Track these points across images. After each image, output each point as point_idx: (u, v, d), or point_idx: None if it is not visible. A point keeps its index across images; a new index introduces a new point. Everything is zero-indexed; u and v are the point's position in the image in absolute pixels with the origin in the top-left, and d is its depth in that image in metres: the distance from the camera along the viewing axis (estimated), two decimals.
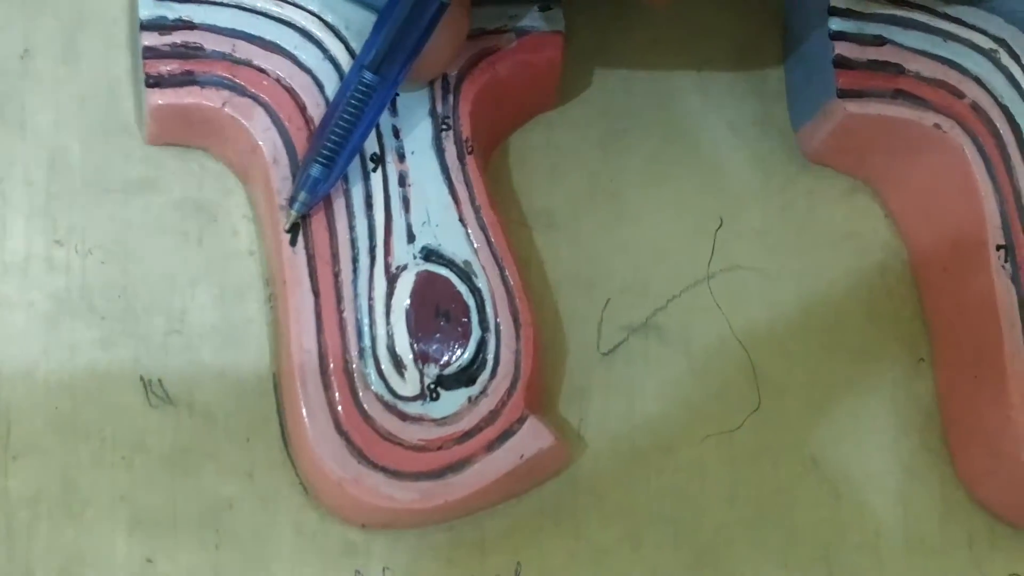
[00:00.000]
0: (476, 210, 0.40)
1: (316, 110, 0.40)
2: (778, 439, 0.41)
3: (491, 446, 0.38)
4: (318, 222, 0.39)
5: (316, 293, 0.39)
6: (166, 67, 0.40)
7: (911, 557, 0.41)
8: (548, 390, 0.41)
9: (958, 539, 0.41)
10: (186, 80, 0.40)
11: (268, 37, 0.40)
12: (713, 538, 0.40)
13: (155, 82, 0.40)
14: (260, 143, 0.40)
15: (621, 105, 0.44)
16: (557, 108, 0.43)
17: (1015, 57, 0.41)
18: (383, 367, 0.38)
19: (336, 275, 0.39)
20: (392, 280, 0.39)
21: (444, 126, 0.40)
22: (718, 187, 0.43)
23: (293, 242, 0.39)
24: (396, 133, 0.40)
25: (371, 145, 0.40)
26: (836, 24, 0.42)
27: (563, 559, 0.40)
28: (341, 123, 0.39)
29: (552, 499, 0.40)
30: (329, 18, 0.41)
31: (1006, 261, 0.40)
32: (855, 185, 0.44)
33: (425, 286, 0.39)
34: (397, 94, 0.40)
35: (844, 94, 0.41)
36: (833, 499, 0.41)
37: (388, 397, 0.38)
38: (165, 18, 0.40)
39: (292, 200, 0.39)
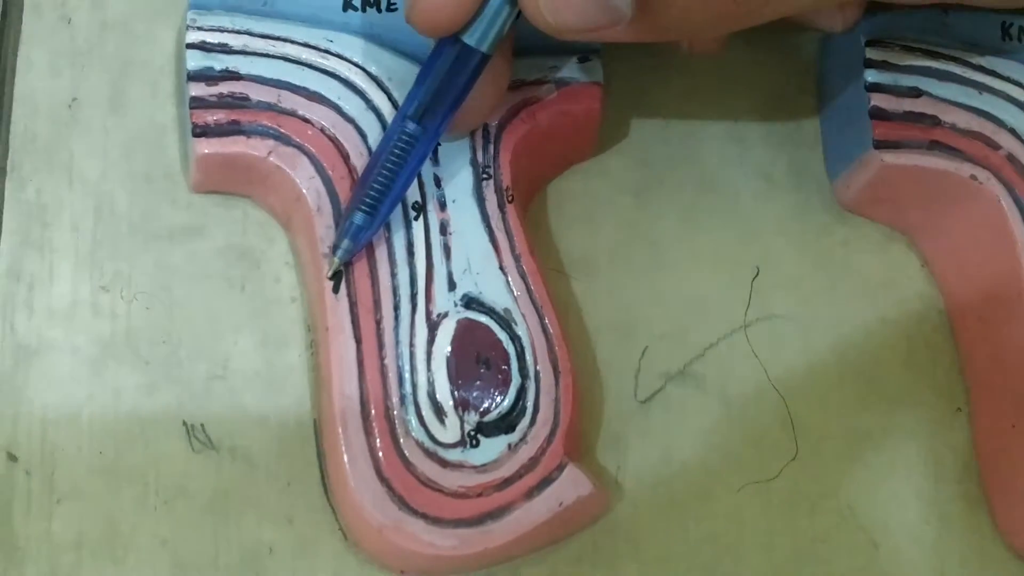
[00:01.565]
0: (516, 258, 0.41)
1: (359, 159, 0.41)
2: (815, 488, 0.41)
3: (530, 493, 0.38)
4: (360, 270, 0.40)
5: (358, 340, 0.39)
6: (212, 117, 0.41)
7: None
8: (586, 437, 0.41)
9: None
10: (232, 130, 0.41)
11: (312, 88, 0.41)
12: None
13: (202, 131, 0.41)
14: (304, 191, 0.41)
15: (658, 155, 0.44)
16: (595, 157, 0.44)
17: None
18: (424, 414, 0.39)
19: (378, 322, 0.40)
20: (433, 327, 0.40)
21: (485, 175, 0.41)
22: (754, 236, 0.44)
23: (336, 289, 0.40)
24: (437, 182, 0.41)
25: (413, 194, 0.41)
26: (872, 76, 0.42)
27: None
28: (384, 172, 0.39)
29: (590, 546, 0.40)
30: (372, 69, 0.41)
31: None
32: (891, 235, 0.44)
33: (466, 333, 0.40)
34: (439, 144, 0.41)
35: (880, 145, 0.41)
36: (870, 548, 0.41)
37: (429, 444, 0.39)
38: (212, 69, 0.41)
39: (335, 247, 0.40)
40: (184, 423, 0.40)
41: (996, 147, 0.41)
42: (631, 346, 0.42)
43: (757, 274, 0.43)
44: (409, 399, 0.39)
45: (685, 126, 0.45)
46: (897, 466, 0.42)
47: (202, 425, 0.41)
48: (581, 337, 0.42)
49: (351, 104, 0.41)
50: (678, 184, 0.44)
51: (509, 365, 0.39)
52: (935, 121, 0.42)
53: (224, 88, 0.41)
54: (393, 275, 0.40)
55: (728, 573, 0.41)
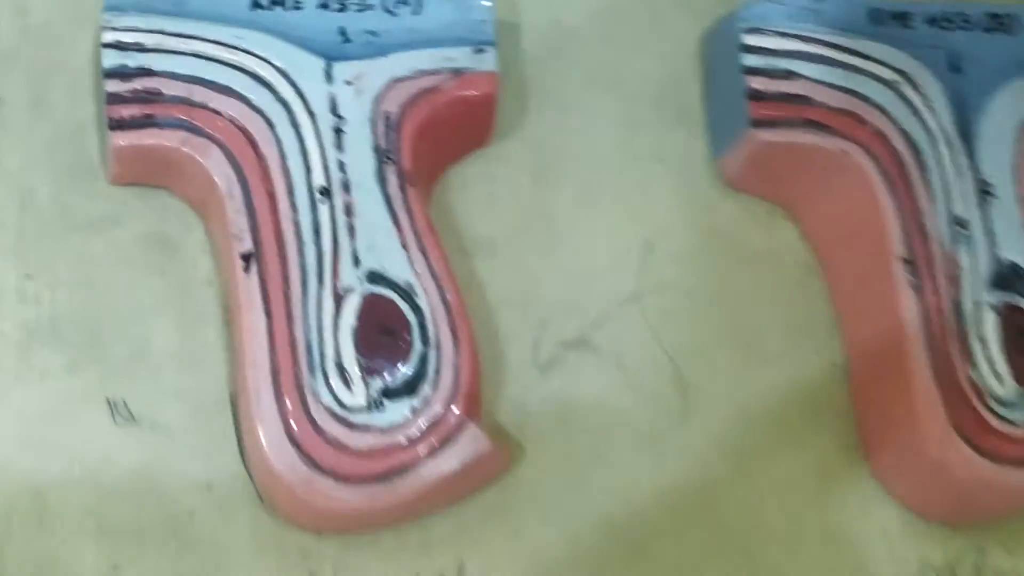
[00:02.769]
0: (417, 236, 0.43)
1: (268, 148, 0.43)
2: (704, 443, 0.44)
3: (433, 452, 0.41)
4: (270, 250, 0.42)
5: (269, 314, 0.42)
6: (128, 111, 0.43)
7: (829, 549, 0.43)
8: (489, 403, 0.43)
9: (873, 532, 0.44)
10: (147, 123, 0.43)
11: (222, 82, 0.44)
12: (644, 536, 0.43)
13: (118, 125, 0.43)
14: (216, 179, 0.43)
15: (554, 140, 0.47)
16: (495, 144, 0.47)
17: (915, 87, 0.45)
18: (332, 381, 0.41)
19: (287, 297, 0.42)
20: (339, 301, 0.42)
21: (386, 159, 0.44)
22: (645, 214, 0.46)
23: (247, 269, 0.42)
24: (342, 167, 0.43)
25: (319, 178, 0.43)
26: (749, 60, 0.45)
27: (505, 558, 0.42)
28: None
29: (494, 503, 0.43)
30: (279, 63, 0.44)
31: (909, 273, 0.43)
32: (773, 209, 0.47)
33: (371, 306, 0.42)
34: (343, 130, 0.44)
35: (758, 124, 0.44)
36: (756, 497, 0.44)
37: (337, 408, 0.41)
38: (127, 66, 0.44)
39: None
40: (107, 400, 0.43)
41: (864, 123, 0.44)
42: (530, 318, 0.45)
43: (648, 248, 0.46)
44: (318, 368, 0.41)
45: (580, 113, 0.47)
46: (781, 421, 0.44)
47: (124, 401, 0.43)
48: (482, 310, 0.45)
49: (259, 96, 0.44)
50: (574, 167, 0.47)
51: (411, 335, 0.42)
52: (808, 101, 0.45)
53: (138, 84, 0.44)
54: (301, 254, 0.42)
55: (624, 525, 0.43)
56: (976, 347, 0.42)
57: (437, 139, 0.45)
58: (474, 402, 0.42)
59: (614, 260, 0.46)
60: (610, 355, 0.45)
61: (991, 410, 0.41)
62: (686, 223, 0.46)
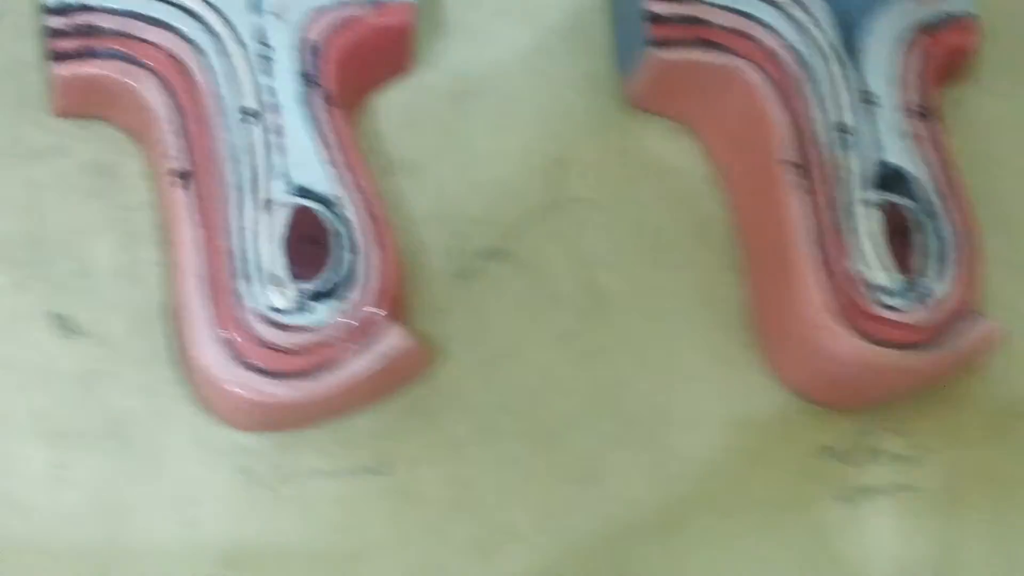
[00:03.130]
0: (343, 154, 0.46)
1: (201, 75, 0.46)
2: (613, 342, 0.47)
3: (358, 349, 0.44)
4: (204, 169, 0.45)
5: (203, 226, 0.45)
6: (68, 44, 0.46)
7: (728, 433, 0.46)
8: (412, 309, 0.46)
9: (772, 419, 0.47)
10: (87, 54, 0.46)
11: (155, 15, 0.47)
12: (555, 427, 0.46)
13: (58, 57, 0.46)
14: (152, 105, 0.46)
15: (471, 67, 0.50)
16: (416, 72, 0.50)
17: (803, 7, 0.48)
18: (262, 286, 0.44)
19: (221, 212, 0.45)
20: (270, 213, 0.45)
21: (312, 83, 0.46)
22: (557, 134, 0.50)
23: (184, 187, 0.45)
24: (271, 91, 0.46)
25: (250, 100, 0.46)
26: None
27: (425, 451, 0.45)
28: None
29: (418, 401, 0.46)
30: None
31: (799, 175, 0.46)
32: (675, 126, 0.50)
33: (299, 217, 0.45)
34: (271, 58, 0.47)
35: (656, 44, 0.47)
36: (661, 390, 0.47)
37: (267, 312, 0.44)
38: (67, 3, 0.46)
39: None
40: (52, 313, 0.45)
41: (755, 41, 0.48)
42: (450, 231, 0.48)
43: (559, 165, 0.49)
44: (251, 275, 0.44)
45: (497, 41, 0.51)
46: (685, 320, 0.48)
47: (67, 315, 0.46)
48: (407, 225, 0.48)
49: (191, 28, 0.47)
50: (490, 92, 0.50)
51: (339, 243, 0.45)
52: (702, 22, 0.48)
53: (79, 19, 0.46)
54: (235, 173, 0.45)
55: (539, 417, 0.46)
56: (860, 241, 0.45)
57: (359, 66, 0.48)
58: (398, 304, 0.45)
59: (529, 176, 0.49)
60: (526, 263, 0.48)
61: (874, 298, 0.45)
62: (595, 141, 0.49)
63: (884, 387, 0.46)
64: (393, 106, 0.49)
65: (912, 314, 0.45)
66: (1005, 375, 0.48)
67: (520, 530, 0.45)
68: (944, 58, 0.48)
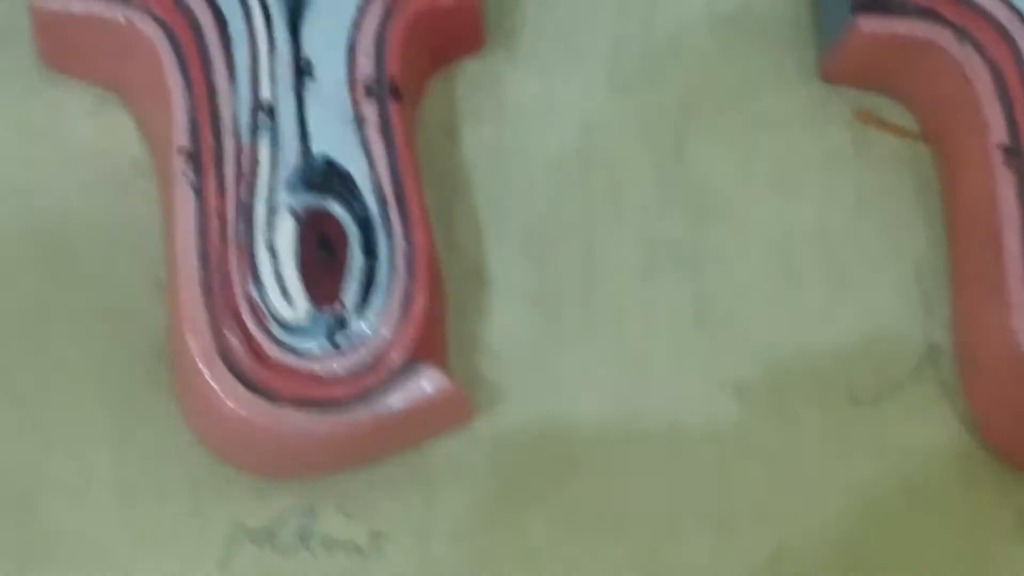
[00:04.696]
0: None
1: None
2: None
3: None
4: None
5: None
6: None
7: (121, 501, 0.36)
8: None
9: (183, 484, 0.36)
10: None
11: None
12: None
13: None
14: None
15: None
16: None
17: None
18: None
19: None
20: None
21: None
22: None
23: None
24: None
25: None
26: None
27: None
28: None
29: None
30: None
31: (191, 169, 0.35)
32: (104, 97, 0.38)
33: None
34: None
35: None
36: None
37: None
38: None
39: None
40: None
41: None
42: None
43: None
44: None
45: None
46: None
47: None
48: None
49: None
50: None
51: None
52: None
53: None
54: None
55: None
56: (263, 258, 0.34)
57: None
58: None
59: None
60: None
61: (272, 336, 0.34)
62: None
63: (297, 454, 0.34)
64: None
65: (325, 360, 0.34)
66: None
67: None
68: (419, 19, 0.37)
